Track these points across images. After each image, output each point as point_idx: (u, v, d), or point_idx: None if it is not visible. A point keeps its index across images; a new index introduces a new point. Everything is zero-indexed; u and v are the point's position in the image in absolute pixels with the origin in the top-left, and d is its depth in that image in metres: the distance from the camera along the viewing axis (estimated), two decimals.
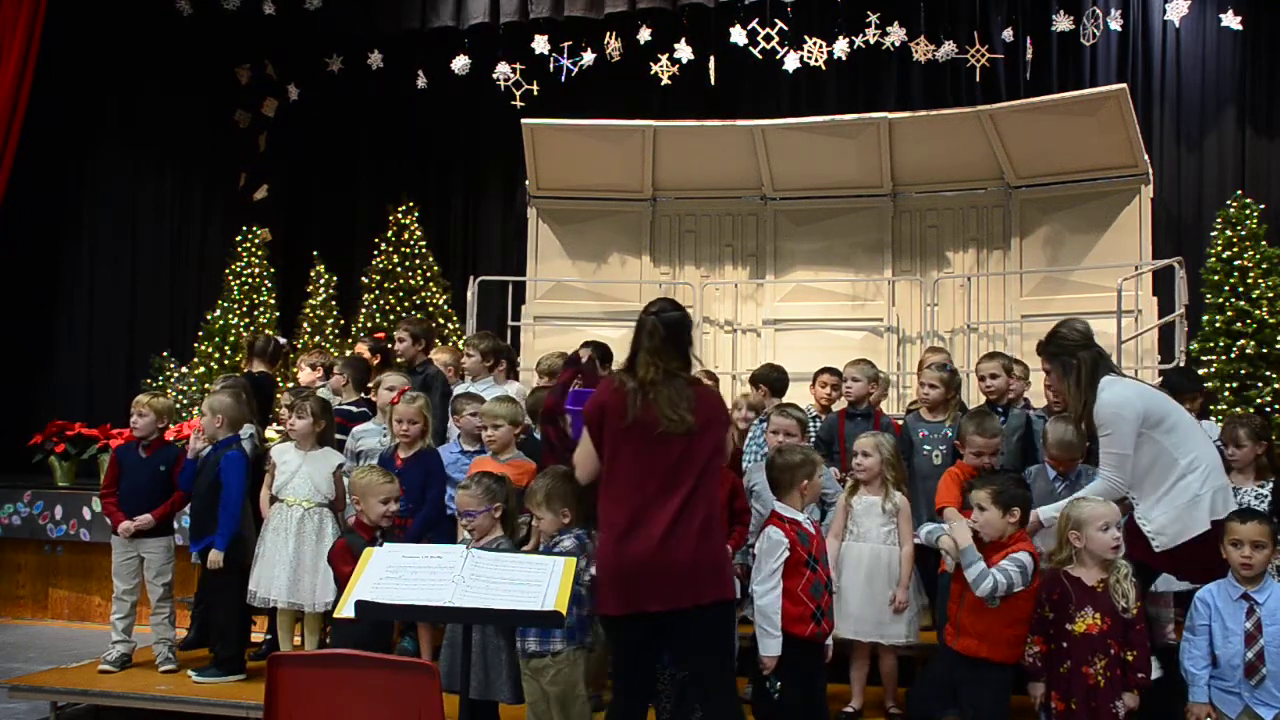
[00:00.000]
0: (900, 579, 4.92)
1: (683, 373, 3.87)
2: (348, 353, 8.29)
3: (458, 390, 6.57)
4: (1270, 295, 8.22)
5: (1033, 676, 4.22)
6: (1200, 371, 7.72)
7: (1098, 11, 9.56)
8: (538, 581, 3.45)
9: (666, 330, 3.89)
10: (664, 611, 3.68)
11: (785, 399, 6.37)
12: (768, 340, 9.66)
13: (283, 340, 7.91)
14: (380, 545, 4.41)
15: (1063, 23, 9.52)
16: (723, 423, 3.95)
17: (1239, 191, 8.82)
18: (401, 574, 3.54)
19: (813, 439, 5.87)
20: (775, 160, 9.76)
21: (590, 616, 4.19)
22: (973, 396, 7.27)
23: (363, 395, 6.75)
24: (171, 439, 6.55)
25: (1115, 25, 9.58)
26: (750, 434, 6.05)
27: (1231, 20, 9.02)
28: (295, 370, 8.30)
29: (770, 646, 4.13)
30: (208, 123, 11.00)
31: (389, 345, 7.53)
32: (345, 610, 3.52)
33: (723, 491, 4.54)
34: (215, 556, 5.57)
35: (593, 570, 4.11)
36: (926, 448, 5.53)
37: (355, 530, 4.61)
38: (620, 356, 6.74)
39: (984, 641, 4.21)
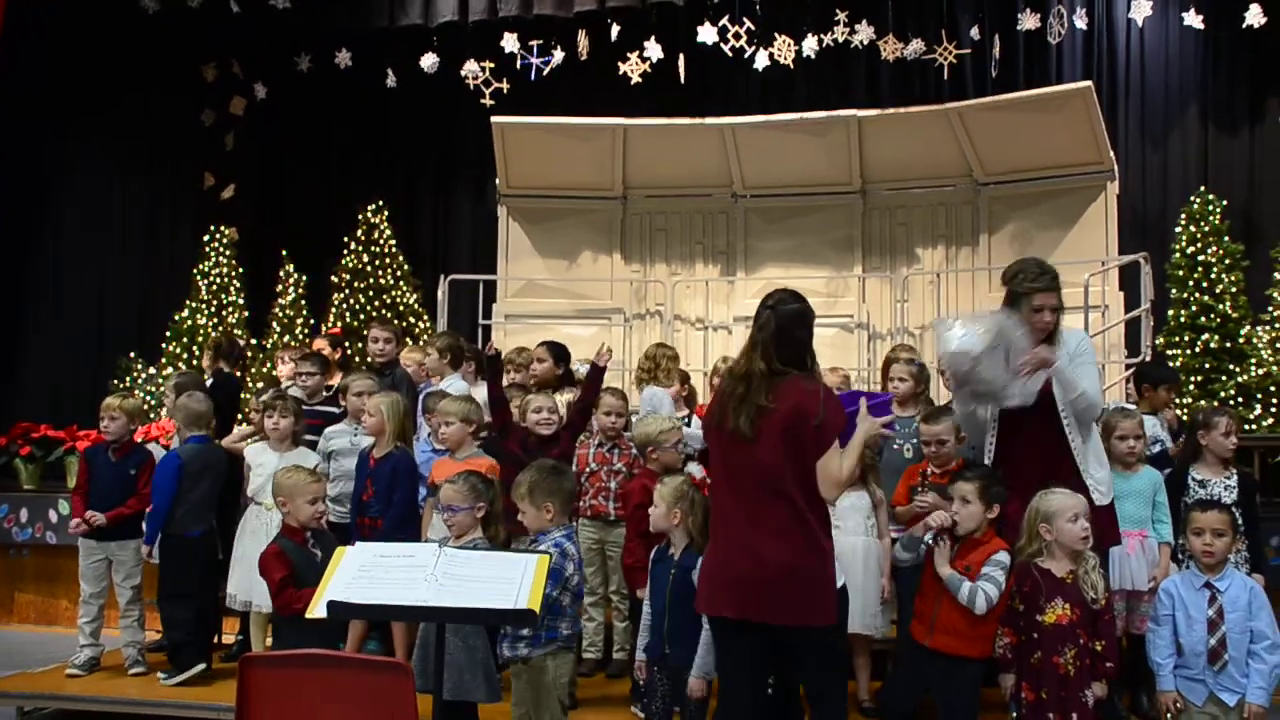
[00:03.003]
0: (885, 570, 4.99)
1: (788, 371, 3.64)
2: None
3: (428, 390, 6.55)
4: (1233, 290, 8.36)
5: (1003, 668, 4.25)
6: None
7: (1063, 10, 9.65)
8: (510, 579, 3.44)
9: (777, 323, 3.68)
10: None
11: None
12: (739, 337, 9.63)
13: (239, 342, 7.88)
14: (312, 547, 4.42)
15: (1029, 21, 9.60)
16: (797, 423, 3.59)
17: (1202, 188, 8.94)
18: (373, 573, 3.53)
19: None
20: (745, 158, 9.77)
21: (573, 614, 4.11)
22: (942, 393, 7.30)
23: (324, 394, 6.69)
24: (140, 440, 6.50)
25: (1080, 24, 9.69)
26: None
27: (1194, 19, 9.12)
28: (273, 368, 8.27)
29: None
30: (174, 121, 10.90)
31: (346, 342, 7.51)
32: (317, 610, 3.49)
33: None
34: (144, 551, 5.64)
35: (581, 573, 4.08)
36: (898, 441, 5.54)
37: (287, 534, 4.54)
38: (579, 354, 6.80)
39: (960, 639, 4.23)
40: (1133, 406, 5.62)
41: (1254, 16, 8.71)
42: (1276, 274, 8.39)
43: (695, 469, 4.82)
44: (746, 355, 3.69)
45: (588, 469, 5.53)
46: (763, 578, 3.57)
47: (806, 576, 3.61)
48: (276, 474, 4.80)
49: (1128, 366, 7.86)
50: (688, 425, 5.97)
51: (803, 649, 3.72)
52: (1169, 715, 4.18)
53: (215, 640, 6.22)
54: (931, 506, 4.43)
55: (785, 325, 3.67)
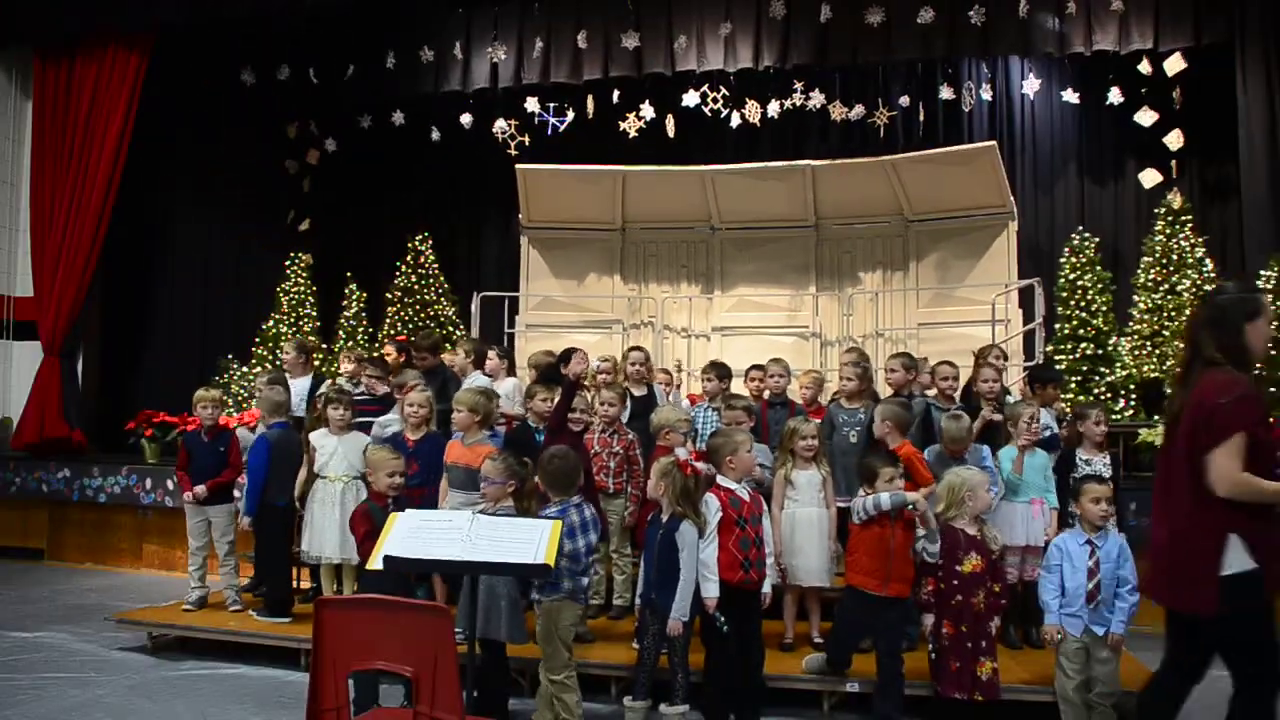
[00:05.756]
0: (831, 533, 4.98)
1: (1222, 363, 3.04)
2: (377, 352, 8.24)
3: (465, 385, 6.53)
4: (1104, 309, 8.43)
5: (925, 610, 4.29)
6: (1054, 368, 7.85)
7: (972, 85, 9.72)
8: (530, 540, 3.47)
9: (1210, 314, 3.11)
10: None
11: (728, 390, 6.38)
12: (716, 344, 9.67)
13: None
14: (393, 510, 4.42)
15: (946, 92, 9.65)
16: (1198, 410, 2.96)
17: (1080, 227, 9.01)
18: (420, 534, 3.56)
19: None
20: (721, 198, 9.79)
21: (571, 573, 4.05)
22: (881, 389, 7.31)
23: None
24: (234, 425, 6.51)
25: (986, 95, 9.76)
26: (705, 417, 6.08)
27: (1071, 96, 9.22)
28: (335, 368, 8.28)
29: (710, 590, 4.16)
30: (263, 170, 10.92)
31: (410, 348, 7.53)
32: (375, 563, 3.52)
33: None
34: (244, 522, 5.65)
35: (581, 540, 4.05)
36: (846, 429, 5.56)
37: (372, 499, 4.58)
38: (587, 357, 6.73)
39: (905, 584, 4.31)
40: (1031, 401, 5.66)
41: (1114, 96, 8.85)
42: (1135, 296, 8.47)
43: (682, 452, 4.82)
44: (1190, 345, 3.15)
45: (593, 451, 5.52)
46: (1148, 555, 3.22)
47: (1173, 558, 3.11)
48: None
49: (1024, 369, 7.90)
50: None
51: (1209, 635, 3.15)
52: (1051, 643, 4.22)
53: (295, 586, 6.23)
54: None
55: (1216, 316, 3.14)
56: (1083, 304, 8.41)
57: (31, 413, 9.28)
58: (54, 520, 8.71)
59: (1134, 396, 8.03)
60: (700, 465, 4.31)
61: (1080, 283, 8.48)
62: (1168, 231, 8.43)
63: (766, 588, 4.35)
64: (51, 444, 9.12)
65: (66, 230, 9.46)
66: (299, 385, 6.71)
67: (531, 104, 10.03)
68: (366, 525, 4.28)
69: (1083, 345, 8.28)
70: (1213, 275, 8.20)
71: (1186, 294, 8.09)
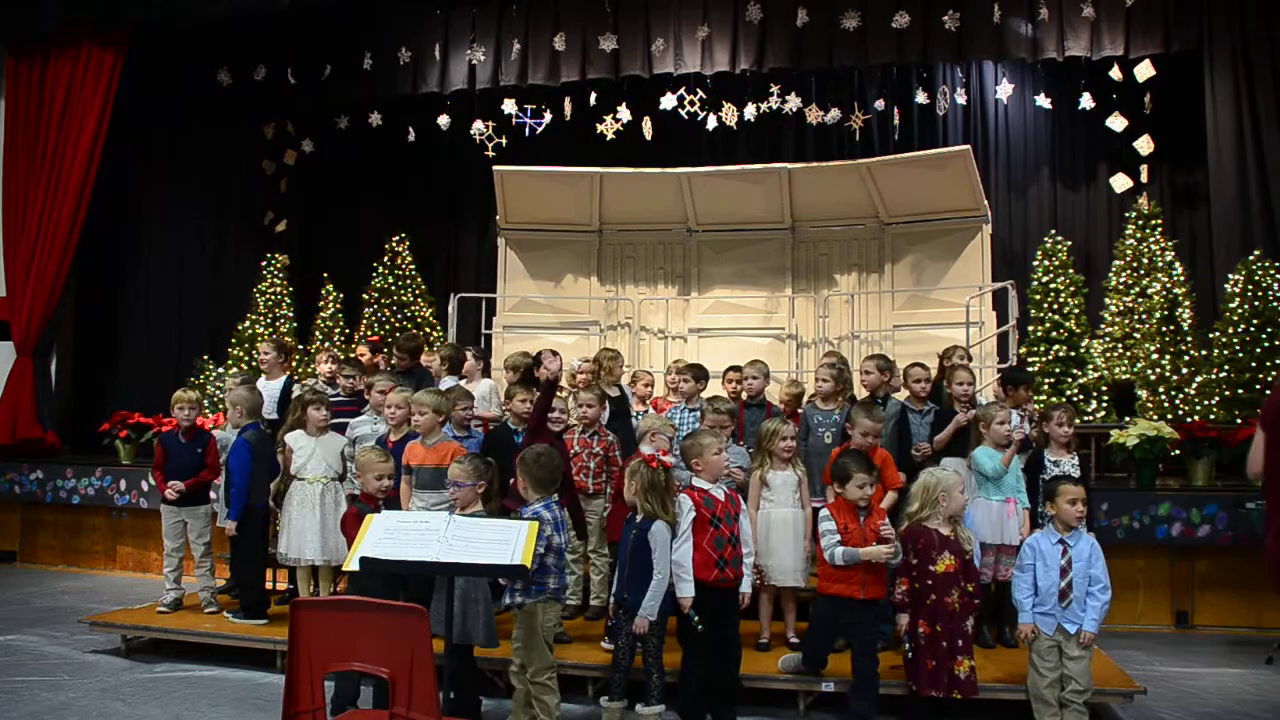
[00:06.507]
0: (807, 533, 4.95)
1: None
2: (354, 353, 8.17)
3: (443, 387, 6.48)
4: (1076, 311, 8.51)
5: (900, 610, 4.30)
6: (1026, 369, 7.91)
7: (946, 89, 9.78)
8: (506, 541, 3.45)
9: None
10: None
11: (705, 391, 6.38)
12: (693, 345, 9.67)
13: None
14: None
15: (921, 96, 9.71)
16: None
17: (1053, 230, 9.09)
18: (397, 535, 3.53)
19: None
20: (698, 201, 9.80)
21: (557, 570, 4.04)
22: (857, 390, 7.33)
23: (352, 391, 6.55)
24: (210, 426, 6.43)
25: (960, 100, 9.83)
26: (681, 418, 6.07)
27: (1044, 100, 9.29)
28: (312, 369, 8.21)
29: (685, 589, 4.15)
30: (240, 170, 10.81)
31: (383, 349, 7.49)
32: (351, 565, 3.49)
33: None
34: (229, 526, 5.53)
35: (561, 536, 4.03)
36: (821, 430, 5.57)
37: (362, 500, 4.54)
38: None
39: (881, 585, 4.33)
40: (1004, 403, 5.70)
41: (1086, 101, 8.95)
42: (1107, 299, 8.56)
43: (647, 448, 4.79)
44: None
45: (572, 451, 5.51)
46: (1267, 551, 2.91)
47: None
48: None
49: (998, 370, 7.96)
50: (637, 418, 5.96)
51: None
52: (1025, 642, 4.25)
53: (270, 588, 6.18)
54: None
55: None
56: (1055, 306, 8.49)
57: (4, 414, 9.15)
58: (26, 522, 8.60)
59: (1106, 398, 8.12)
60: (669, 460, 4.30)
61: (1053, 285, 8.57)
62: (1138, 235, 8.54)
63: (746, 587, 4.34)
64: (24, 445, 9.00)
65: (40, 229, 9.35)
66: (271, 387, 6.64)
67: (509, 106, 10.00)
68: (358, 527, 4.24)
69: (1055, 347, 8.36)
70: (1182, 279, 8.31)
71: (1157, 297, 8.19)
